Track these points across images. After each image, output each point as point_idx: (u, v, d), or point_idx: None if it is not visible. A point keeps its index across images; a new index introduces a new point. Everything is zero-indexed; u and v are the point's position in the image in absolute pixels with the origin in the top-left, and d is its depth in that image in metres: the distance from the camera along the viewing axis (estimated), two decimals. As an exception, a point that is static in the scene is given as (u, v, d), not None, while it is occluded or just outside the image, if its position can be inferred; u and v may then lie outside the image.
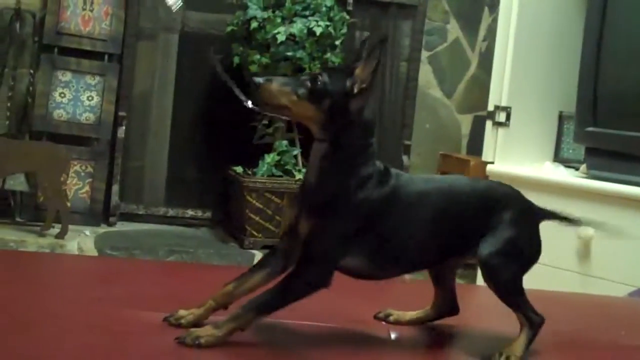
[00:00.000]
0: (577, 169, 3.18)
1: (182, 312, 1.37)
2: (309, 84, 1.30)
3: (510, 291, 1.40)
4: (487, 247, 1.38)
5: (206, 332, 1.29)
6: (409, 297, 1.65)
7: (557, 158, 3.38)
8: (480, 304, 1.62)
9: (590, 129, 3.00)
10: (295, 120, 1.33)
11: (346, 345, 1.42)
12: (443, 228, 1.39)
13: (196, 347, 1.28)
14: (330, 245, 1.33)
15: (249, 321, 1.31)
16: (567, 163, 3.29)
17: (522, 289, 1.42)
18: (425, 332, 1.53)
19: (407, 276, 1.43)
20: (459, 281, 1.54)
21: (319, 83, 1.30)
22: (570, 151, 3.36)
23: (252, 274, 1.39)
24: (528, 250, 1.45)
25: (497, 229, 1.40)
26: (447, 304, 1.51)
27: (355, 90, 1.30)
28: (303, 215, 1.33)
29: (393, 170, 1.38)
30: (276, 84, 1.30)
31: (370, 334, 1.48)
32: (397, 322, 1.52)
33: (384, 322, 1.53)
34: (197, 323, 1.35)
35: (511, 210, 1.43)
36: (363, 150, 1.34)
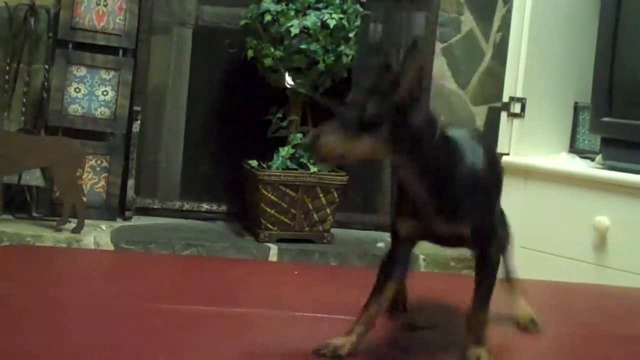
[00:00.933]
0: (593, 159, 3.17)
1: (335, 342, 1.31)
2: (357, 120, 1.21)
3: None
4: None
5: (484, 353, 1.32)
6: (420, 288, 1.65)
7: (573, 149, 3.36)
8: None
9: (606, 119, 2.99)
10: (360, 157, 1.24)
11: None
12: None
13: None
14: (493, 227, 1.37)
15: (487, 318, 1.35)
16: (582, 154, 3.28)
17: None
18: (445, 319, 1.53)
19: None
20: (470, 273, 1.55)
21: (369, 114, 1.21)
22: (586, 142, 3.34)
23: (384, 287, 1.37)
24: None
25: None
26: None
27: (407, 103, 1.23)
28: (446, 225, 1.32)
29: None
30: (326, 138, 1.21)
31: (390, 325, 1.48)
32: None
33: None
34: (353, 351, 1.32)
35: None
36: (444, 143, 1.29)
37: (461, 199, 1.30)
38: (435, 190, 1.28)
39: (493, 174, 1.39)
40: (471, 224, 1.32)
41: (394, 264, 1.38)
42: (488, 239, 1.36)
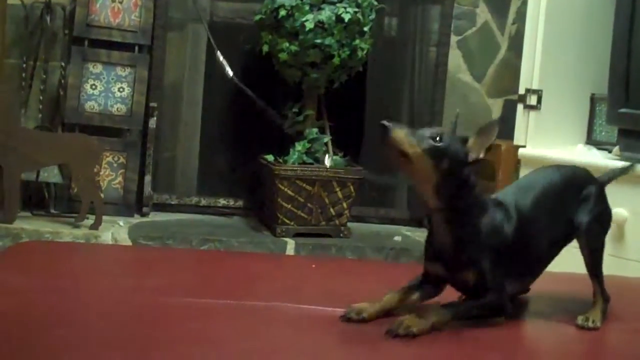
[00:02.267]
0: (610, 151, 3.16)
1: (360, 306, 1.44)
2: (432, 140, 1.39)
3: (600, 258, 1.59)
4: (585, 217, 1.56)
5: (416, 323, 1.37)
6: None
7: (590, 140, 3.35)
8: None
9: (623, 110, 2.97)
10: (411, 175, 1.43)
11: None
12: (555, 226, 1.55)
13: (409, 336, 1.35)
14: (498, 283, 1.46)
15: (446, 321, 1.41)
16: (599, 145, 3.27)
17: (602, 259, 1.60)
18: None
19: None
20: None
21: (442, 142, 1.39)
22: (603, 133, 3.33)
23: (412, 291, 1.49)
24: (608, 223, 1.65)
25: (586, 204, 1.57)
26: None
27: (470, 160, 1.42)
28: (459, 270, 1.45)
29: (501, 200, 1.52)
30: (403, 132, 1.38)
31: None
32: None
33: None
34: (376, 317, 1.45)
35: (593, 189, 1.60)
36: (476, 201, 1.46)
37: (473, 254, 1.44)
38: (455, 239, 1.44)
39: (518, 252, 1.49)
40: (476, 277, 1.44)
41: (422, 285, 1.50)
42: (490, 292, 1.45)
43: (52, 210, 3.47)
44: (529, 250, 1.52)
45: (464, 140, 1.43)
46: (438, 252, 1.47)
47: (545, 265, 1.59)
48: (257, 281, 1.67)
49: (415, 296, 1.49)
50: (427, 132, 1.41)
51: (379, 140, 1.39)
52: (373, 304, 1.45)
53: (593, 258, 1.58)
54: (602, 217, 1.61)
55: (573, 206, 1.57)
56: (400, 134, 1.38)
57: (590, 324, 1.52)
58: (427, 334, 1.36)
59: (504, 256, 1.46)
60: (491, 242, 1.45)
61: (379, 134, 1.38)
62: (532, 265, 1.55)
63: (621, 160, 2.95)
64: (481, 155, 1.43)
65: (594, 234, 1.58)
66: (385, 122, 1.37)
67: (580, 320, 1.52)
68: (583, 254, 1.58)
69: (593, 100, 3.36)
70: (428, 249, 1.50)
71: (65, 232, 3.22)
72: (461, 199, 1.42)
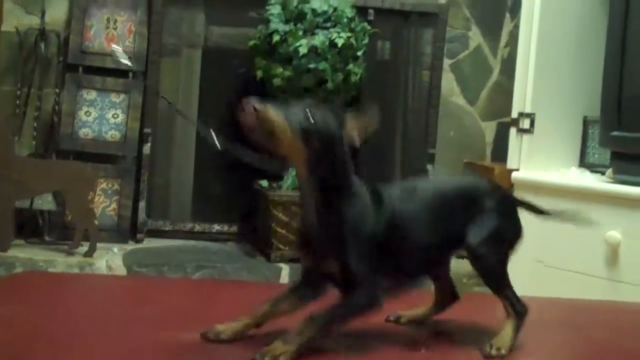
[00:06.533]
0: (603, 173, 3.17)
1: (220, 327, 1.41)
2: (303, 121, 1.33)
3: (495, 276, 1.49)
4: (474, 237, 1.46)
5: (281, 349, 1.32)
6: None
7: (583, 163, 3.36)
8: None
9: (615, 133, 2.98)
10: (279, 151, 1.35)
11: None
12: (438, 231, 1.47)
13: None
14: (366, 275, 1.38)
15: (314, 336, 1.34)
16: (593, 168, 3.27)
17: (506, 274, 1.50)
18: (454, 343, 1.52)
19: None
20: (480, 290, 1.56)
21: (314, 123, 1.33)
22: (596, 156, 3.34)
23: (285, 298, 1.44)
24: (510, 236, 1.53)
25: (480, 218, 1.48)
26: (448, 294, 1.61)
27: (345, 143, 1.36)
28: (322, 258, 1.39)
29: (380, 189, 1.44)
30: (274, 113, 1.32)
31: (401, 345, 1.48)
32: (410, 322, 1.60)
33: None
34: (236, 338, 1.40)
35: (491, 200, 1.51)
36: (348, 185, 1.39)
37: (335, 241, 1.37)
38: (321, 222, 1.38)
39: (389, 246, 1.40)
40: (339, 266, 1.37)
41: (305, 287, 1.44)
42: (355, 286, 1.37)
43: (46, 238, 3.47)
44: (401, 248, 1.43)
45: (342, 120, 1.36)
46: (306, 237, 1.41)
47: (424, 268, 1.52)
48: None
49: (284, 306, 1.43)
50: (299, 109, 1.34)
51: (242, 118, 1.33)
52: (236, 323, 1.41)
53: (487, 276, 1.48)
54: (496, 235, 1.48)
55: (462, 220, 1.48)
56: (269, 115, 1.32)
57: (493, 352, 1.42)
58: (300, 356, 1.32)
59: (371, 247, 1.38)
60: (356, 231, 1.37)
61: (242, 110, 1.33)
62: (406, 264, 1.45)
63: (614, 183, 2.96)
64: (358, 142, 1.36)
65: (484, 254, 1.47)
66: (256, 105, 1.32)
67: (486, 347, 1.43)
68: (477, 273, 1.49)
69: (586, 123, 3.38)
70: (299, 235, 1.45)
71: (60, 260, 3.21)
72: (333, 179, 1.36)
